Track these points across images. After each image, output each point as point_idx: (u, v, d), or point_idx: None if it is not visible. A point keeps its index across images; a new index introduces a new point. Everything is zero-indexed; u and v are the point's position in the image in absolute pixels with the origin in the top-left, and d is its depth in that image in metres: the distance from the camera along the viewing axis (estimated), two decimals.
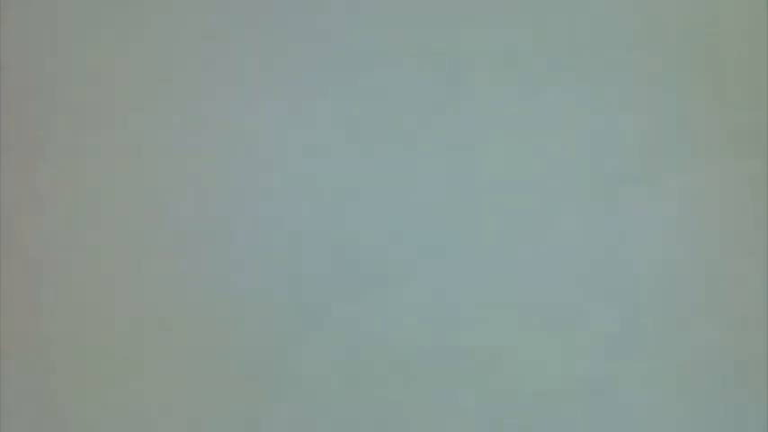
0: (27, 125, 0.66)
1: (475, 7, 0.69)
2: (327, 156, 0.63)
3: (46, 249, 0.63)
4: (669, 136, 0.65)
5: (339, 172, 0.63)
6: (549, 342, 0.59)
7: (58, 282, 0.62)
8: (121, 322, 0.61)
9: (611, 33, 0.68)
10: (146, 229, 0.63)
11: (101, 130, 0.66)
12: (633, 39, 0.67)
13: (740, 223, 0.62)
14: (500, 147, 0.65)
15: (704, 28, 0.68)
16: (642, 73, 0.67)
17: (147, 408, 0.59)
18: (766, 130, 0.64)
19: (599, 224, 0.62)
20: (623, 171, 0.64)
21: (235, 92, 0.67)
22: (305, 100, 0.65)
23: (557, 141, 0.65)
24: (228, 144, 0.65)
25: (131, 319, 0.61)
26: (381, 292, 0.61)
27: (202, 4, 0.69)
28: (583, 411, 0.57)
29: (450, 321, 0.60)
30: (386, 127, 0.65)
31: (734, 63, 0.66)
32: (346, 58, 0.68)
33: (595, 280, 0.61)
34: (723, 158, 0.64)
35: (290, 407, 0.59)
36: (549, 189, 0.64)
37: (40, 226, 0.64)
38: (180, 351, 0.60)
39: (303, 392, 0.59)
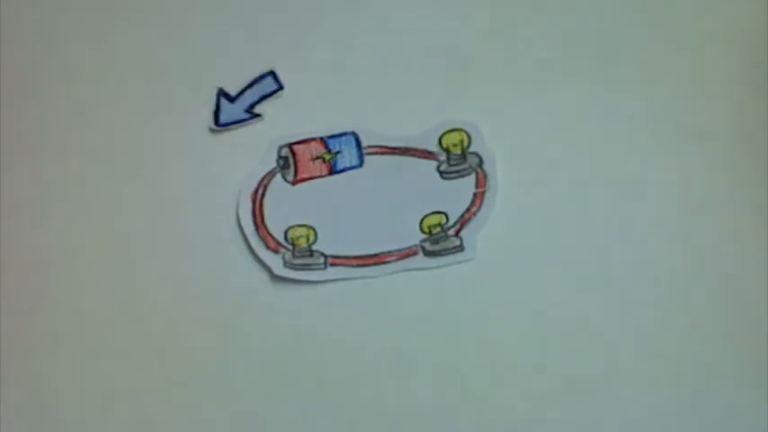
0: (27, 125, 0.66)
1: (476, 6, 0.69)
2: None
3: (46, 249, 0.63)
4: (669, 136, 0.65)
5: None
6: (548, 341, 0.60)
7: (57, 282, 0.62)
8: (122, 322, 0.61)
9: (611, 33, 0.68)
10: (147, 229, 0.63)
11: (101, 129, 0.66)
12: (635, 39, 0.68)
13: (740, 223, 0.62)
14: (500, 146, 0.65)
15: (705, 28, 0.68)
16: (642, 73, 0.67)
17: (147, 408, 0.59)
18: (766, 130, 0.64)
19: (599, 224, 0.63)
20: (623, 171, 0.64)
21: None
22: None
23: (557, 141, 0.65)
24: (230, 143, 0.65)
25: (132, 318, 0.61)
26: None
27: (202, 4, 0.69)
28: (583, 411, 0.58)
29: (450, 321, 0.60)
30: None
31: (735, 64, 0.67)
32: (344, 56, 0.68)
33: (595, 280, 0.61)
34: (723, 158, 0.64)
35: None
36: (549, 188, 0.64)
37: (41, 226, 0.64)
38: (182, 350, 0.60)
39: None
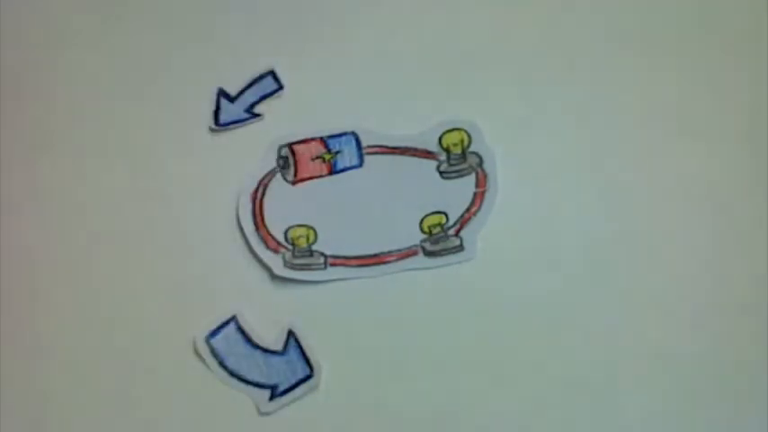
0: (26, 125, 0.66)
1: (477, 6, 0.69)
2: None
3: (43, 249, 0.63)
4: (669, 136, 0.65)
5: None
6: (549, 342, 0.60)
7: (56, 282, 0.62)
8: (120, 322, 0.61)
9: (611, 33, 0.68)
10: (146, 229, 0.63)
11: (100, 130, 0.66)
12: (636, 38, 0.68)
13: (740, 222, 0.62)
14: (500, 146, 0.65)
15: (704, 27, 0.68)
16: (642, 72, 0.67)
17: (146, 408, 0.59)
18: (766, 128, 0.64)
19: (599, 224, 0.63)
20: (623, 171, 0.64)
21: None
22: None
23: (557, 141, 0.65)
24: (230, 143, 0.65)
25: (130, 318, 0.61)
26: None
27: (202, 4, 0.69)
28: (583, 411, 0.58)
29: (450, 321, 0.60)
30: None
31: (734, 62, 0.67)
32: (344, 56, 0.68)
33: (596, 280, 0.61)
34: (723, 158, 0.64)
35: None
36: (549, 188, 0.64)
37: (38, 226, 0.64)
38: (182, 351, 0.60)
39: None
